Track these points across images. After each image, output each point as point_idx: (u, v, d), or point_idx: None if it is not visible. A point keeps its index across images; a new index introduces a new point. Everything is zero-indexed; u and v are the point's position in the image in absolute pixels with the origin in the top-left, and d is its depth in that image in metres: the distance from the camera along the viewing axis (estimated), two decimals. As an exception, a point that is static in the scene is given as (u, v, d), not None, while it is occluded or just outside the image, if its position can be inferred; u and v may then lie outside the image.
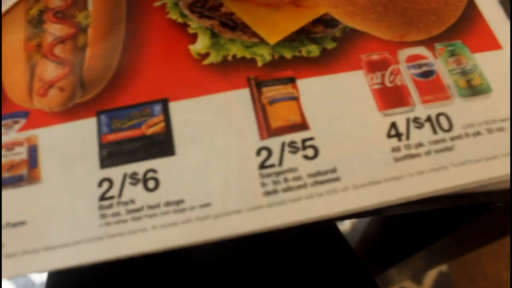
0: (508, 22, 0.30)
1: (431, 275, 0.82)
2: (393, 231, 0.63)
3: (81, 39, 0.28)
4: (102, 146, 0.25)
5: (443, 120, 0.26)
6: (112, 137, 0.25)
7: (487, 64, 0.28)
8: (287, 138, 0.25)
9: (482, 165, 0.25)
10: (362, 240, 0.74)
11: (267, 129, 0.25)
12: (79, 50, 0.28)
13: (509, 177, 0.25)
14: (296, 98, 0.26)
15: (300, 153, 0.25)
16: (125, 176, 0.25)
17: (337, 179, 0.24)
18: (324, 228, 0.48)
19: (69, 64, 0.27)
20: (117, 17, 0.29)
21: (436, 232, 0.50)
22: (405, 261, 0.63)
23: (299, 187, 0.24)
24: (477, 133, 0.26)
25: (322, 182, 0.24)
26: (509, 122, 0.26)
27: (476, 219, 0.42)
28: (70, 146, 0.25)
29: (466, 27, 0.29)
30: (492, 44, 0.29)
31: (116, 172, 0.25)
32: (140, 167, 0.25)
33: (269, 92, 0.26)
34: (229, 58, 0.27)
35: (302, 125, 0.25)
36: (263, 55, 0.27)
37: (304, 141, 0.25)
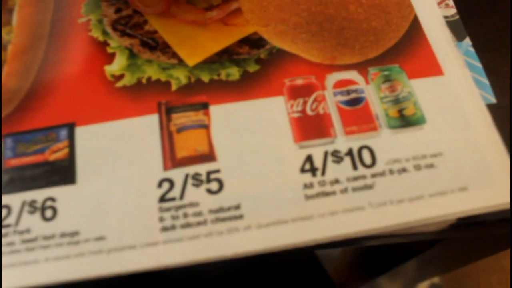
0: (454, 45, 0.27)
1: (422, 287, 0.79)
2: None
3: (1, 57, 0.27)
4: (4, 171, 0.24)
5: (365, 154, 0.24)
6: (15, 161, 0.24)
7: (425, 91, 0.25)
8: (192, 169, 0.24)
9: (404, 206, 0.23)
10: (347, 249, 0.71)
11: (171, 159, 0.24)
12: (-3, 68, 0.27)
13: (437, 219, 0.23)
14: (206, 126, 0.24)
15: (204, 187, 0.23)
16: (23, 203, 0.24)
17: (240, 217, 0.23)
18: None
19: (-17, 83, 0.27)
20: (39, 34, 0.28)
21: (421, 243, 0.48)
22: (395, 271, 0.60)
23: (198, 223, 0.23)
24: (403, 170, 0.24)
25: (223, 220, 0.23)
26: (440, 158, 0.24)
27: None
28: (-28, 170, 0.24)
29: (407, 49, 0.27)
30: (433, 69, 0.26)
31: (15, 199, 0.24)
32: (39, 195, 0.24)
33: (179, 119, 0.25)
34: (144, 80, 0.26)
35: (209, 156, 0.24)
36: (179, 78, 0.26)
37: (209, 173, 0.23)
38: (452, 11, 0.30)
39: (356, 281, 0.71)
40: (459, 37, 0.29)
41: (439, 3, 0.30)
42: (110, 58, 0.27)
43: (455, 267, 0.55)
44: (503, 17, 0.30)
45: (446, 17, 0.29)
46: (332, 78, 0.26)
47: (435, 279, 0.79)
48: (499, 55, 0.29)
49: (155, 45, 0.27)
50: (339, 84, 0.25)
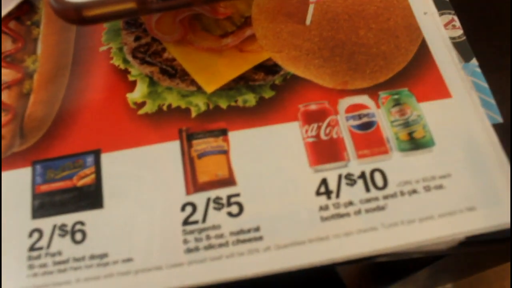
0: (461, 67, 0.28)
1: (435, 293, 0.79)
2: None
3: (27, 85, 0.29)
4: (35, 196, 0.26)
5: (377, 177, 0.25)
6: (45, 187, 0.26)
7: (433, 114, 0.27)
8: (213, 193, 0.25)
9: (415, 226, 0.24)
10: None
11: (193, 184, 0.25)
12: (24, 96, 0.29)
13: (447, 238, 0.24)
14: (225, 152, 0.26)
15: (225, 210, 0.25)
16: (54, 227, 0.25)
17: (259, 238, 0.24)
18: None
19: (12, 111, 0.28)
20: (63, 63, 0.29)
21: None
22: (408, 279, 0.61)
23: (220, 245, 0.24)
24: (413, 191, 0.25)
25: (244, 241, 0.24)
26: (449, 179, 0.25)
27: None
28: (5, 195, 0.26)
29: (416, 73, 0.28)
30: (441, 92, 0.27)
31: (47, 223, 0.25)
32: (69, 219, 0.25)
33: (199, 145, 0.26)
34: (164, 108, 0.27)
35: (229, 181, 0.25)
36: (198, 105, 0.27)
37: (229, 197, 0.25)
38: (459, 32, 0.31)
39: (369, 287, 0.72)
40: (466, 58, 0.30)
41: (446, 25, 0.31)
42: (132, 85, 0.28)
43: (468, 275, 0.55)
44: (509, 37, 0.31)
45: (453, 38, 0.30)
46: (344, 102, 0.27)
47: (448, 285, 0.79)
48: (505, 75, 0.30)
49: (174, 72, 0.28)
50: (351, 108, 0.27)
